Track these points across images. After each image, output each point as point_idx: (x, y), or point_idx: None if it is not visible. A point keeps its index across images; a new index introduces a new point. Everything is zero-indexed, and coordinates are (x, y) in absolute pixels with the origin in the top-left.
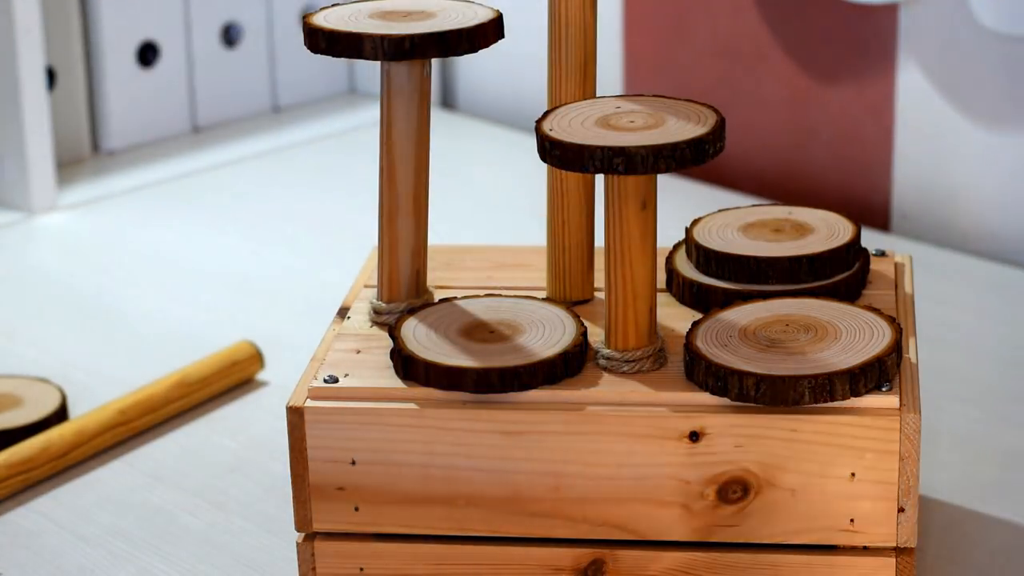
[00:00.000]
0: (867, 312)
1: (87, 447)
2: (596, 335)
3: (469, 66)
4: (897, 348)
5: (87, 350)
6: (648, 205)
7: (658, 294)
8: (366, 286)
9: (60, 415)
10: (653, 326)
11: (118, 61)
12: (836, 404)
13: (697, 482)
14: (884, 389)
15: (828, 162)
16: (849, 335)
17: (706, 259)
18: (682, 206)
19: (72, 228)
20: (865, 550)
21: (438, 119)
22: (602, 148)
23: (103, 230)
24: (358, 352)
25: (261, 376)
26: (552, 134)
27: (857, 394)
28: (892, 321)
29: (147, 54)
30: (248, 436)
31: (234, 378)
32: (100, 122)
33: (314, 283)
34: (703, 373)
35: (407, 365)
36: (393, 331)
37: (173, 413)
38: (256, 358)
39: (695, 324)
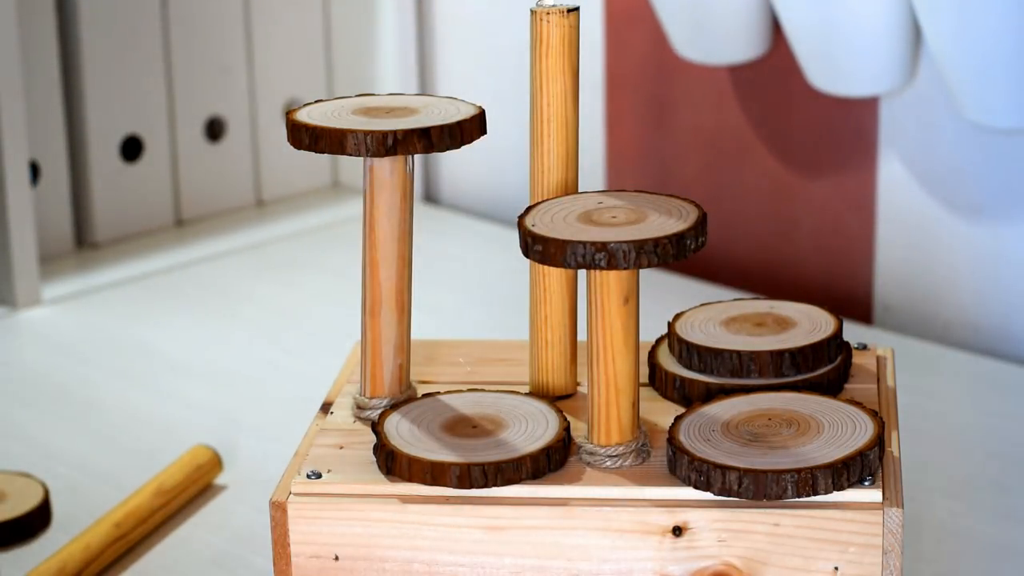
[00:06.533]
0: (849, 406)
1: (96, 564)
2: (579, 430)
3: (452, 161)
4: (880, 442)
5: (70, 444)
6: (630, 300)
7: (641, 388)
8: (349, 381)
9: (43, 510)
10: (636, 421)
11: (102, 155)
12: (819, 499)
13: None
14: (867, 483)
15: (810, 254)
16: (832, 429)
17: (688, 353)
18: (664, 300)
19: (56, 322)
20: None
21: (421, 214)
22: (584, 244)
23: (87, 324)
24: (341, 447)
25: (244, 472)
26: (534, 230)
27: (840, 488)
28: (874, 415)
29: (131, 148)
30: (232, 532)
31: (202, 482)
32: (84, 216)
33: (297, 377)
34: (686, 468)
35: (390, 460)
36: (376, 426)
37: (160, 520)
38: (215, 462)
39: (678, 418)
